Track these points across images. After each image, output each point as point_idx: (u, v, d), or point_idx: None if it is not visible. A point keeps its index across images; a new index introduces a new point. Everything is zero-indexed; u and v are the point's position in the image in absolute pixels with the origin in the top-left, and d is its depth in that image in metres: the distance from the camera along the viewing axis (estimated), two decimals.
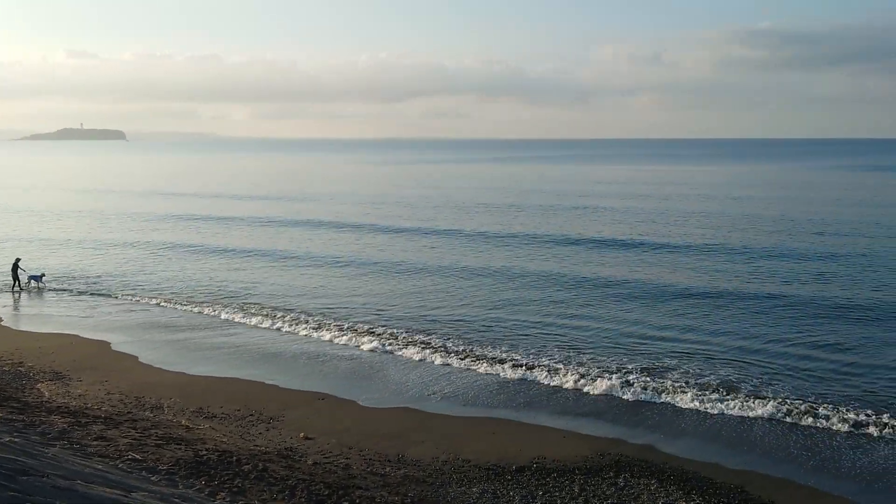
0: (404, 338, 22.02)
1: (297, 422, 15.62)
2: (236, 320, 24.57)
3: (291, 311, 25.43)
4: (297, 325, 23.72)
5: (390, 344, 21.50)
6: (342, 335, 22.48)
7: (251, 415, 15.95)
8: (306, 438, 14.59)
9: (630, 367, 19.15)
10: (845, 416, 15.79)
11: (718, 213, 50.37)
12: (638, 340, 21.41)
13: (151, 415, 15.18)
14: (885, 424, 15.36)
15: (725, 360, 19.62)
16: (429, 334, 22.30)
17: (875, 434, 15.03)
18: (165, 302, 27.29)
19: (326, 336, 22.47)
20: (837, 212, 50.37)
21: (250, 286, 29.43)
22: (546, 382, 18.25)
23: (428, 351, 20.75)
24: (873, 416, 15.76)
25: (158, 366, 19.82)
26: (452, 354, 20.46)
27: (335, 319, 24.21)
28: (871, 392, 17.23)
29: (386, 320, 24.00)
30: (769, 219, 47.22)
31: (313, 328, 23.26)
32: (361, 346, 21.39)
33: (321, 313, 25.02)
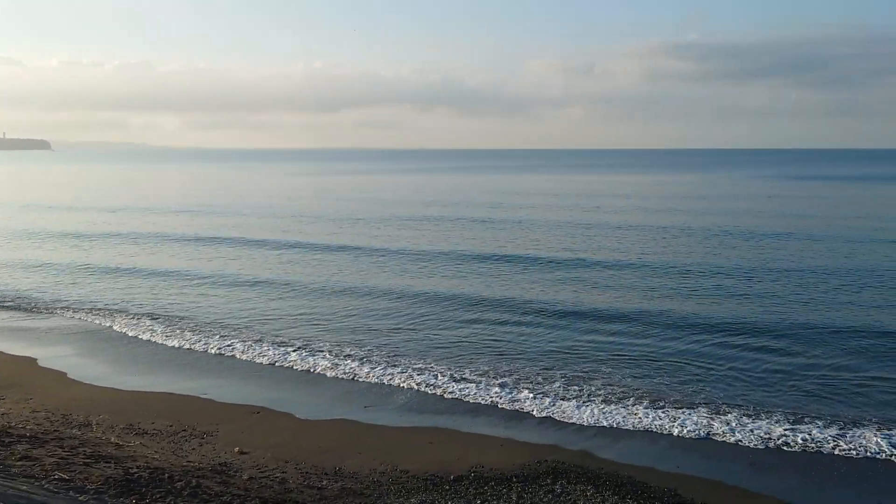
0: (341, 352, 21.81)
1: (232, 436, 15.37)
2: (169, 336, 23.99)
3: (226, 326, 25.00)
4: (232, 340, 23.28)
5: (326, 358, 21.27)
6: (278, 349, 22.18)
7: (184, 430, 15.62)
8: (241, 453, 14.35)
9: (562, 377, 19.32)
10: (775, 419, 16.22)
11: (645, 225, 50.34)
12: (568, 353, 21.59)
13: (79, 432, 14.72)
14: (813, 427, 15.82)
15: (655, 370, 19.96)
16: (365, 348, 22.14)
17: (802, 436, 15.44)
18: (96, 317, 26.50)
19: (262, 351, 22.11)
20: (764, 223, 51.85)
21: (184, 302, 28.81)
22: (481, 393, 18.27)
23: (365, 364, 20.61)
24: (802, 419, 16.24)
25: (88, 382, 19.27)
26: (389, 367, 20.35)
27: (270, 334, 23.87)
28: (799, 397, 17.72)
29: (321, 335, 23.75)
30: (696, 230, 48.24)
31: (249, 343, 22.86)
32: (298, 360, 21.12)
33: (257, 328, 24.65)
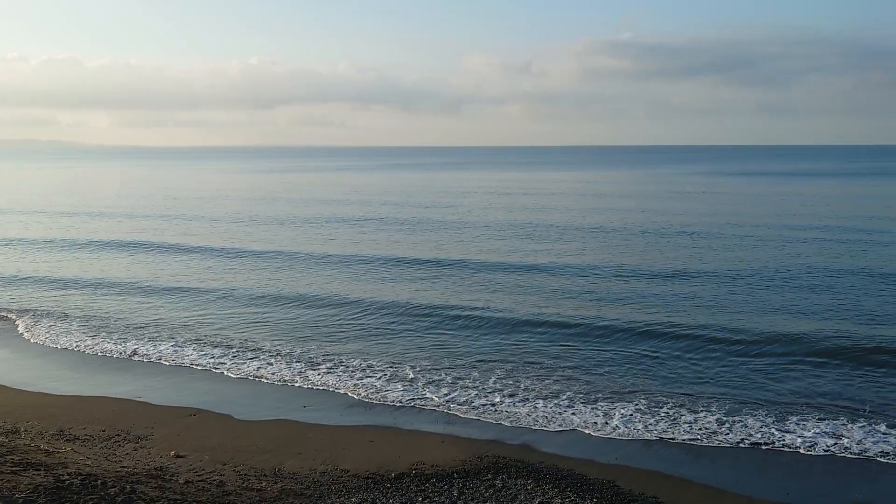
0: (280, 353, 21.60)
1: (168, 439, 15.07)
2: (102, 339, 23.40)
3: (161, 329, 24.50)
4: (168, 342, 22.84)
5: (264, 359, 21.03)
6: (216, 351, 21.85)
7: (118, 435, 15.24)
8: (177, 456, 14.08)
9: (502, 374, 19.49)
10: (713, 411, 16.62)
11: (581, 225, 49.99)
12: (507, 352, 21.75)
13: (6, 440, 14.23)
14: (749, 417, 16.26)
15: (594, 366, 20.28)
16: (304, 349, 21.94)
17: (740, 426, 15.84)
18: (23, 321, 25.67)
19: (200, 352, 21.73)
20: (697, 220, 52.89)
21: (117, 306, 28.13)
22: (422, 391, 18.28)
23: (305, 364, 20.43)
24: (740, 410, 16.68)
25: (16, 387, 18.66)
26: (329, 366, 20.23)
27: (208, 337, 23.49)
28: (736, 390, 18.18)
29: (260, 337, 23.47)
30: (631, 228, 49.02)
31: (186, 345, 22.45)
32: (236, 362, 20.85)
33: (193, 331, 24.22)
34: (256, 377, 19.55)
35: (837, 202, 68.24)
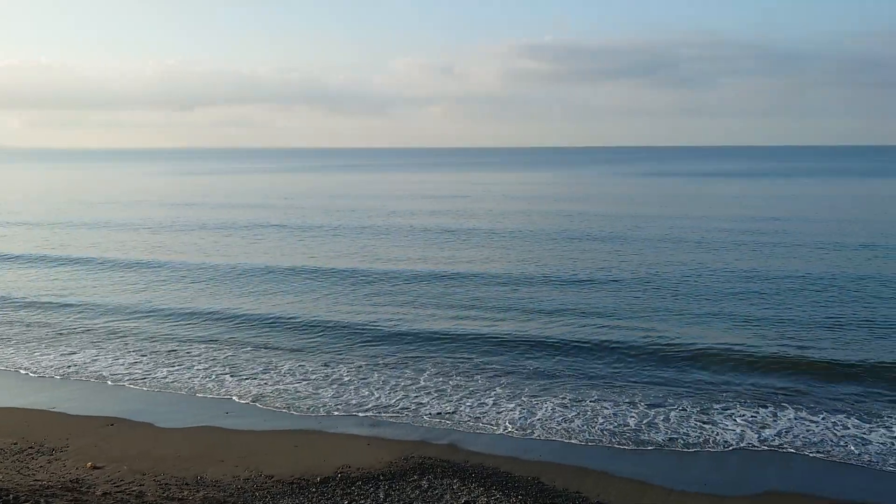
0: (201, 358, 21.19)
1: (85, 451, 14.60)
2: (11, 347, 22.52)
3: (77, 336, 23.76)
4: (84, 350, 22.18)
5: (186, 365, 20.60)
6: (135, 358, 21.30)
7: (31, 447, 14.68)
8: (94, 468, 13.66)
9: (428, 376, 19.55)
10: (631, 405, 17.05)
11: (505, 230, 49.15)
12: (431, 352, 21.86)
13: None
14: (669, 411, 16.72)
15: (516, 365, 20.50)
16: (225, 355, 21.57)
17: (660, 421, 16.25)
18: None
19: (118, 359, 21.15)
20: (626, 224, 53.83)
21: (28, 313, 27.12)
22: (347, 394, 18.17)
23: (226, 370, 20.09)
24: (661, 405, 17.10)
25: None
26: (251, 372, 19.94)
27: (127, 343, 22.90)
28: (656, 387, 18.61)
29: (180, 343, 22.99)
30: (549, 231, 49.62)
31: (103, 352, 21.83)
32: (156, 368, 20.35)
33: (112, 338, 23.56)
34: (178, 383, 19.11)
35: (752, 202, 70.67)
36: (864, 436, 15.24)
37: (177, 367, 20.26)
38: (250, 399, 17.90)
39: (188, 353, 21.63)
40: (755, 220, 51.27)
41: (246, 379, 19.26)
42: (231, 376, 19.48)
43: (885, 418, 16.07)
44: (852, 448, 14.71)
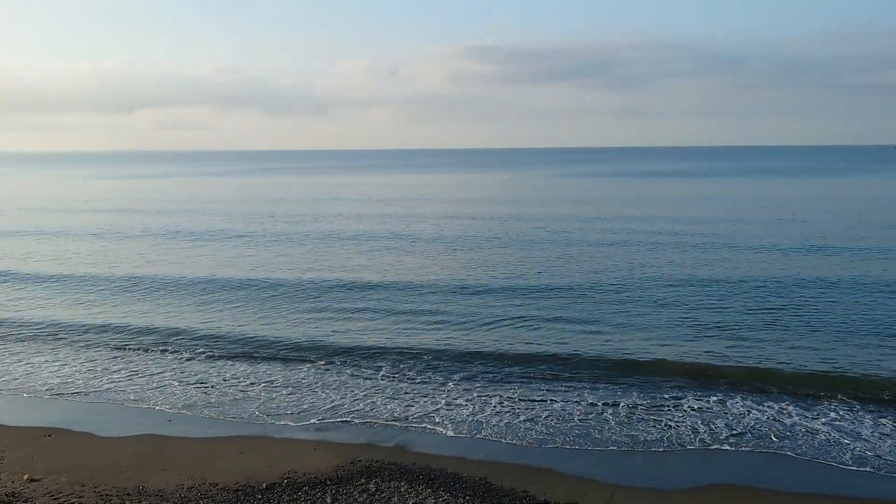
0: (143, 365, 20.77)
1: (21, 463, 14.17)
2: None
3: (12, 344, 23.11)
4: (16, 360, 21.51)
5: (125, 372, 20.17)
6: (73, 365, 20.79)
7: None
8: (31, 480, 13.27)
9: (379, 373, 19.52)
10: (576, 403, 17.26)
11: (450, 235, 47.91)
12: (374, 354, 21.82)
13: None
14: (613, 409, 16.96)
15: (455, 364, 20.57)
16: (169, 358, 21.21)
17: (607, 417, 16.48)
18: None
19: (52, 370, 20.58)
20: (564, 227, 54.27)
21: None
22: (293, 398, 18.02)
23: (167, 376, 19.74)
24: (602, 403, 17.30)
25: None
26: (193, 377, 19.63)
27: (65, 348, 22.34)
28: (590, 384, 18.86)
29: (117, 349, 22.52)
30: (482, 235, 49.78)
31: (37, 363, 21.21)
32: (95, 376, 19.89)
33: (47, 343, 22.97)
34: (118, 391, 18.69)
35: (691, 202, 72.05)
36: (805, 427, 15.64)
37: (117, 377, 19.80)
38: (194, 406, 17.59)
39: (129, 362, 21.16)
40: (697, 222, 52.18)
41: (190, 385, 18.94)
42: (176, 383, 19.13)
43: (825, 412, 16.51)
44: (792, 440, 15.08)
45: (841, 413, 16.36)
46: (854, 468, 13.90)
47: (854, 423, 15.87)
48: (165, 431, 16.03)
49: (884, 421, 15.93)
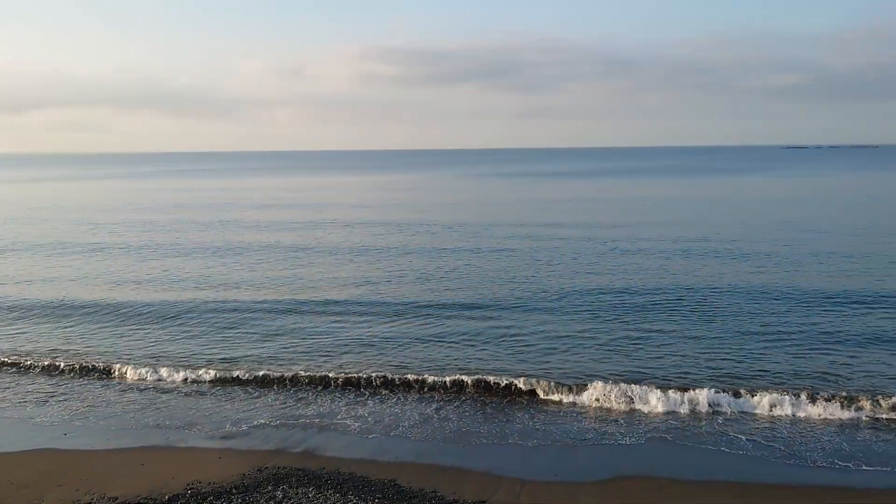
0: (37, 379, 19.87)
1: None
2: None
3: None
4: None
5: (20, 386, 19.26)
6: None
7: None
8: None
9: (282, 385, 19.20)
10: (483, 399, 17.47)
11: (357, 245, 46.21)
12: (279, 357, 21.53)
13: None
14: (517, 406, 17.14)
15: (367, 362, 20.43)
16: (64, 372, 20.33)
17: (511, 414, 16.68)
18: None
19: None
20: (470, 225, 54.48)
21: None
22: (201, 404, 17.57)
23: (63, 388, 18.94)
24: (510, 398, 17.49)
25: None
26: (87, 388, 18.90)
27: None
28: (499, 372, 18.99)
29: (12, 364, 21.43)
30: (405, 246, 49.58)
31: None
32: None
33: None
34: (11, 407, 17.79)
35: (600, 203, 73.74)
36: (698, 418, 16.23)
37: (9, 391, 18.87)
38: (91, 418, 16.93)
39: (22, 375, 20.22)
40: (600, 227, 53.43)
41: (86, 398, 18.23)
42: (69, 396, 18.36)
43: (713, 404, 17.13)
44: (697, 431, 15.61)
45: (723, 404, 16.98)
46: (750, 454, 14.49)
47: (740, 412, 16.56)
48: (61, 446, 15.36)
49: (777, 410, 16.66)
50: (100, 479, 13.52)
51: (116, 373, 20.00)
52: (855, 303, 25.71)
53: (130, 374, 19.86)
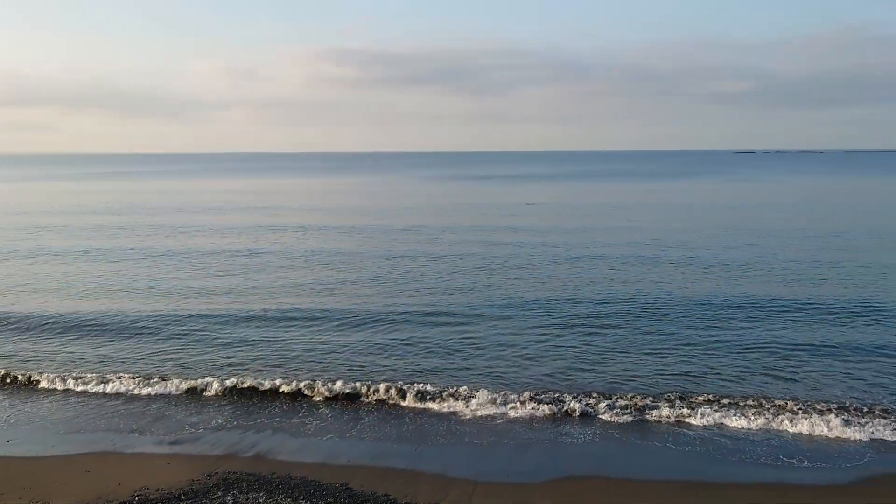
0: None
1: None
2: None
3: None
4: None
5: None
6: None
7: None
8: None
9: (230, 389, 18.93)
10: (435, 402, 17.46)
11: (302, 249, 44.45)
12: (235, 352, 21.24)
13: None
14: (473, 406, 17.22)
15: (322, 367, 20.32)
16: (8, 367, 19.86)
17: (462, 414, 16.75)
18: None
19: None
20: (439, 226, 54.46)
21: None
22: (148, 408, 17.27)
23: (7, 388, 18.50)
24: (461, 398, 17.55)
25: None
26: (33, 392, 18.47)
27: None
28: (468, 379, 18.99)
29: None
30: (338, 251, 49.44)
31: None
32: None
33: None
34: None
35: (551, 206, 74.35)
36: (653, 420, 16.46)
37: None
38: (35, 424, 16.53)
39: None
40: (554, 232, 53.85)
41: (30, 404, 17.79)
42: (13, 403, 17.91)
43: (672, 407, 17.39)
44: (647, 431, 15.82)
45: (672, 407, 17.25)
46: (699, 453, 14.73)
47: (688, 414, 16.78)
48: (4, 452, 14.97)
49: (724, 412, 16.96)
50: (43, 487, 13.22)
51: (63, 380, 19.47)
52: (803, 309, 26.12)
53: (77, 381, 19.36)
